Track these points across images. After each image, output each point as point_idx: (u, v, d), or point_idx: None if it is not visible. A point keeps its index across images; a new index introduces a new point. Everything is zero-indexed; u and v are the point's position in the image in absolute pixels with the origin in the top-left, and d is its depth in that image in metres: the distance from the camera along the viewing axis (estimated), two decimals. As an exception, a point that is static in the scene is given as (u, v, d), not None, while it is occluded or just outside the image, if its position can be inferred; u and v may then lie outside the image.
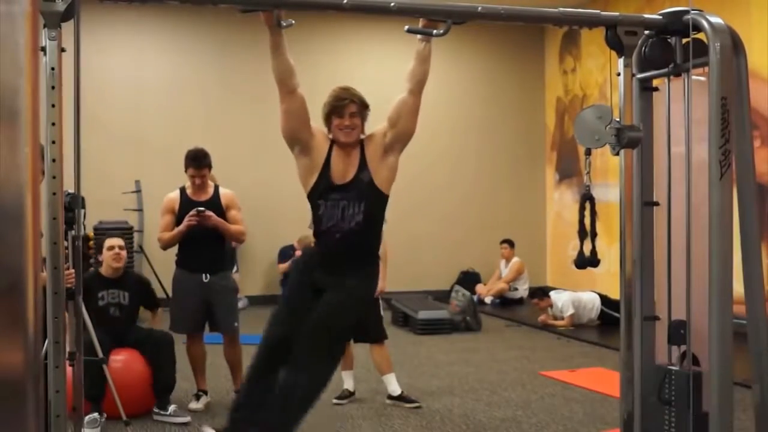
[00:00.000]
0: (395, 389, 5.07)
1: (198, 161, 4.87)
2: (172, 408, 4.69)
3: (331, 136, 3.49)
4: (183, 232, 4.81)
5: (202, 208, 4.78)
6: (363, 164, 3.45)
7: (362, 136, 3.52)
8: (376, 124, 3.56)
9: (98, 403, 4.46)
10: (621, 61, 3.03)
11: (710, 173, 2.84)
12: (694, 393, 2.93)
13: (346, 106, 3.45)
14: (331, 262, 3.45)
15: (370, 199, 3.44)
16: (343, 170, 3.44)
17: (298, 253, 9.61)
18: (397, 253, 10.49)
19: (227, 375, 5.25)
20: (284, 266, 9.84)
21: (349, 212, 3.39)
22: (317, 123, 3.52)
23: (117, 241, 4.92)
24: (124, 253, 4.92)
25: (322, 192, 3.41)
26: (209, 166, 4.94)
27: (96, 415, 4.44)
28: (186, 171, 4.92)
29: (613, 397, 4.76)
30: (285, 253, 9.94)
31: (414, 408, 4.96)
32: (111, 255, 4.85)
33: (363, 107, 3.50)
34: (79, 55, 2.51)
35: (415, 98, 3.45)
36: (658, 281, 3.13)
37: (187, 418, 4.66)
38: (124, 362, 4.71)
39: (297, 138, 3.42)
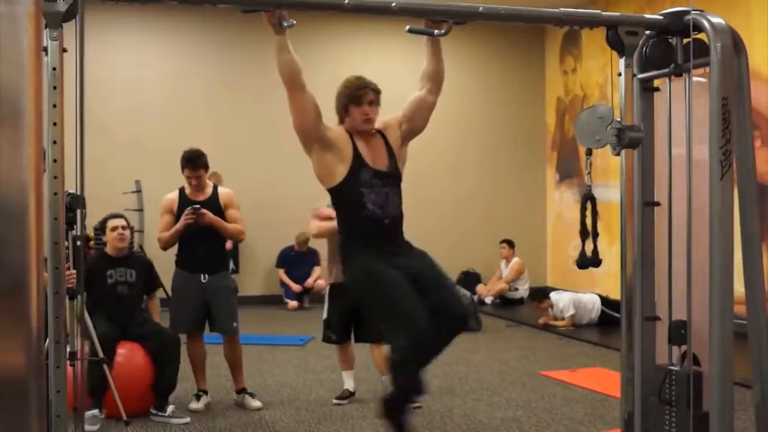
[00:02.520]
0: (395, 389, 5.06)
1: (193, 162, 4.89)
2: (170, 409, 4.68)
3: (346, 127, 3.50)
4: (180, 230, 4.83)
5: (197, 206, 4.80)
6: (391, 152, 3.51)
7: (377, 126, 3.56)
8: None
9: (99, 399, 4.45)
10: (622, 61, 3.04)
11: (711, 173, 2.84)
12: (695, 393, 2.93)
13: (365, 94, 3.48)
14: (392, 247, 3.44)
15: (400, 185, 3.53)
16: (375, 158, 3.46)
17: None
18: (398, 253, 10.51)
19: (227, 375, 5.25)
20: (286, 278, 9.81)
21: (392, 198, 3.45)
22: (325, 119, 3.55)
23: (120, 222, 4.96)
24: (127, 232, 4.98)
25: (363, 179, 3.39)
26: (205, 167, 4.95)
27: (96, 411, 4.44)
28: (182, 172, 4.94)
29: (614, 397, 4.76)
30: (285, 256, 9.94)
31: (414, 408, 4.95)
32: (115, 236, 4.90)
33: (378, 94, 3.56)
34: (82, 55, 2.51)
35: (434, 97, 3.55)
36: (658, 281, 3.13)
37: (187, 419, 4.65)
38: (126, 358, 4.69)
39: (315, 134, 3.42)
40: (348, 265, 3.53)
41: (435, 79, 3.49)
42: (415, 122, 3.55)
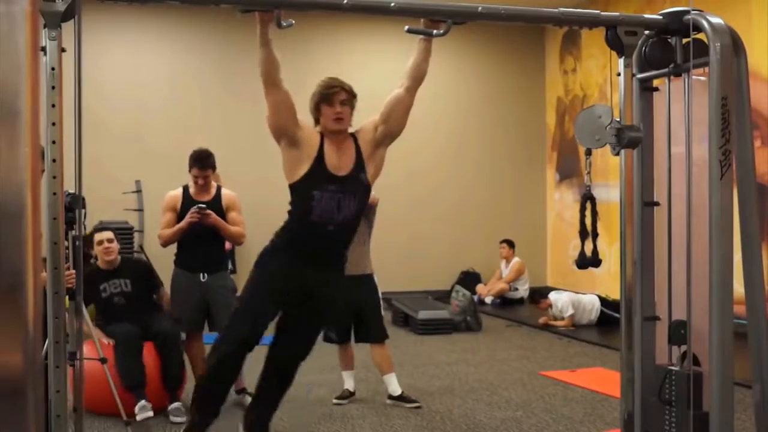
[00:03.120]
0: (396, 389, 5.06)
1: (202, 162, 4.89)
2: (174, 406, 4.69)
3: (319, 129, 3.51)
4: (183, 228, 4.83)
5: (203, 206, 4.80)
6: (359, 158, 3.49)
7: (351, 130, 3.55)
8: None
9: (141, 390, 4.53)
10: (621, 61, 3.04)
11: (710, 173, 2.84)
12: (695, 393, 2.93)
13: (336, 93, 3.48)
14: (324, 255, 3.50)
15: (362, 192, 3.50)
16: (338, 162, 3.45)
17: None
18: (397, 253, 10.54)
19: (227, 375, 5.25)
20: None
21: (344, 204, 3.42)
22: (307, 118, 3.54)
23: (105, 235, 4.96)
24: (113, 245, 4.96)
25: (317, 182, 3.41)
26: (213, 167, 4.96)
27: (144, 402, 4.48)
28: (190, 171, 4.94)
29: (614, 397, 4.76)
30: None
31: (414, 408, 4.96)
32: (101, 250, 4.92)
33: (352, 96, 3.54)
34: (80, 55, 2.51)
35: (410, 96, 3.49)
36: (658, 281, 3.13)
37: (182, 418, 4.65)
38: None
39: (284, 130, 3.43)
40: (262, 253, 3.64)
41: (414, 76, 3.45)
42: (391, 123, 3.51)
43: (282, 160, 3.52)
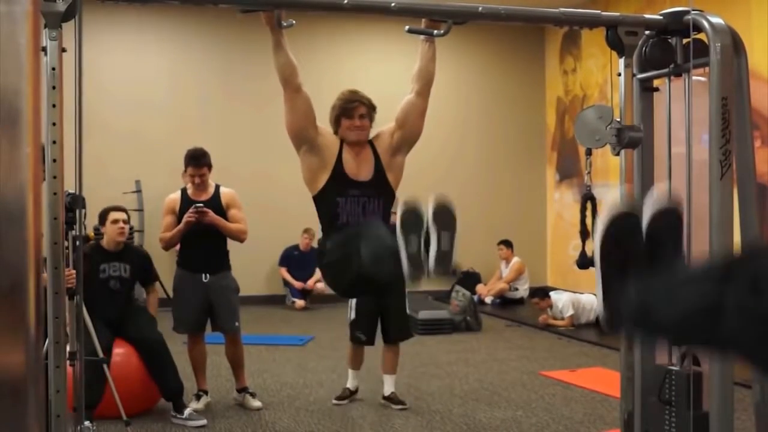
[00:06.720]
0: (387, 389, 5.07)
1: (197, 160, 4.89)
2: (188, 411, 4.66)
3: (339, 136, 3.49)
4: (182, 230, 4.82)
5: (200, 205, 4.79)
6: (378, 162, 3.46)
7: (370, 136, 3.53)
8: (381, 124, 3.57)
9: (91, 410, 4.25)
10: (621, 61, 3.04)
11: (711, 173, 2.84)
12: (695, 393, 2.93)
13: (356, 108, 3.45)
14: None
15: (386, 196, 3.47)
16: (358, 168, 3.44)
17: (306, 241, 9.61)
18: (398, 253, 10.50)
19: (227, 375, 5.25)
20: (288, 276, 9.81)
21: (370, 208, 3.40)
22: (323, 123, 3.52)
23: (121, 215, 4.87)
24: (127, 227, 4.90)
25: (339, 189, 3.39)
26: (208, 165, 4.95)
27: (88, 423, 4.32)
28: (185, 170, 4.94)
29: (614, 397, 4.76)
30: (288, 255, 9.93)
31: (401, 410, 4.94)
32: (116, 229, 4.81)
33: (371, 109, 3.53)
34: (80, 55, 2.51)
35: (423, 99, 3.47)
36: (658, 281, 3.13)
37: (203, 421, 4.62)
38: (121, 360, 4.65)
39: (304, 136, 3.41)
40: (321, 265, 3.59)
41: (423, 80, 3.43)
42: (408, 128, 3.49)
43: (302, 169, 3.49)
